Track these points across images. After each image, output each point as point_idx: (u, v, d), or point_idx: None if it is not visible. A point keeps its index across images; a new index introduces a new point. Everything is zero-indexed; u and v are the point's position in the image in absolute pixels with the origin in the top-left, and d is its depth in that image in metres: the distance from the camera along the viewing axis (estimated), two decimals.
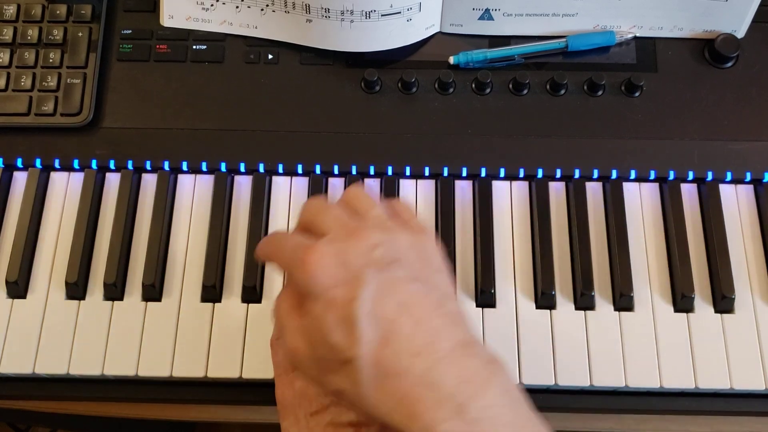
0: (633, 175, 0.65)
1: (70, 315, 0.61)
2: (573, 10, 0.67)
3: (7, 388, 0.61)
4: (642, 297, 0.61)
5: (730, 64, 0.68)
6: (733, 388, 0.58)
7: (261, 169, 0.65)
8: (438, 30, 0.69)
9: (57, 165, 0.65)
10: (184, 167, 0.65)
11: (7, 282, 0.61)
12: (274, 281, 0.62)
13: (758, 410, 0.60)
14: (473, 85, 0.67)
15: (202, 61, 0.68)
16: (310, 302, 0.43)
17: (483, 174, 0.65)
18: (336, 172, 0.65)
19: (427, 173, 0.65)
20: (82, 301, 0.61)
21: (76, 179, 0.66)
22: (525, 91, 0.67)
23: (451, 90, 0.67)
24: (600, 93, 0.67)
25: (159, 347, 0.60)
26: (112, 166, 0.65)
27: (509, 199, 0.65)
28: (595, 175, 0.65)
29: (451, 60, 0.68)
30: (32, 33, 0.68)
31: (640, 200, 0.65)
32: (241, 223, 0.64)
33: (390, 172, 0.65)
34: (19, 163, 0.65)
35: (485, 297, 0.61)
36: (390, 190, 0.64)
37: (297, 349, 0.44)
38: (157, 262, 0.62)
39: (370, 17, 0.64)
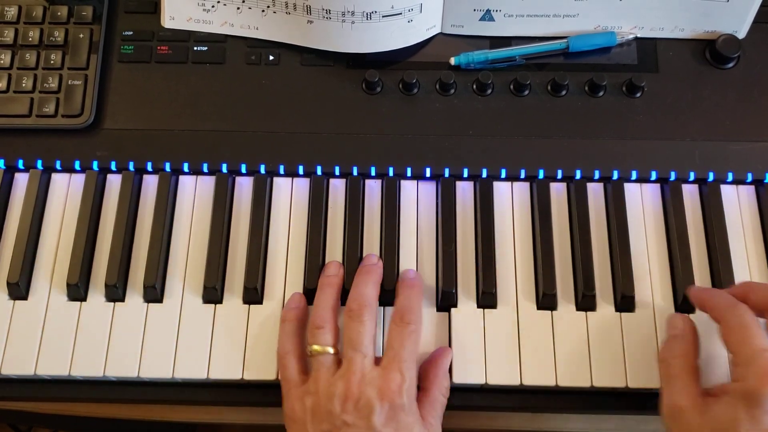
0: (634, 175, 0.65)
1: (72, 316, 0.61)
2: (574, 11, 0.67)
3: (9, 389, 0.61)
4: (643, 298, 0.61)
5: (731, 65, 0.68)
6: None
7: (262, 170, 0.65)
8: (439, 31, 0.69)
9: (58, 166, 0.65)
10: (185, 168, 0.65)
11: (8, 283, 0.61)
12: (275, 283, 0.62)
13: None
14: (474, 86, 0.67)
15: (203, 63, 0.68)
16: (756, 408, 0.49)
17: (484, 175, 0.65)
18: (337, 173, 0.65)
19: (428, 174, 0.65)
20: (83, 303, 0.61)
21: (78, 180, 0.66)
22: (526, 92, 0.67)
23: (452, 91, 0.67)
24: (601, 94, 0.67)
25: (160, 349, 0.60)
26: (113, 167, 0.65)
27: (510, 200, 0.65)
28: (597, 175, 0.65)
29: (452, 61, 0.68)
30: (33, 34, 0.68)
31: (642, 201, 0.65)
32: (242, 224, 0.64)
33: (391, 173, 0.65)
34: (20, 164, 0.65)
35: (486, 298, 0.61)
36: (391, 192, 0.64)
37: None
38: (159, 264, 0.62)
39: (371, 18, 0.64)
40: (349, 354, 0.55)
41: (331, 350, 0.56)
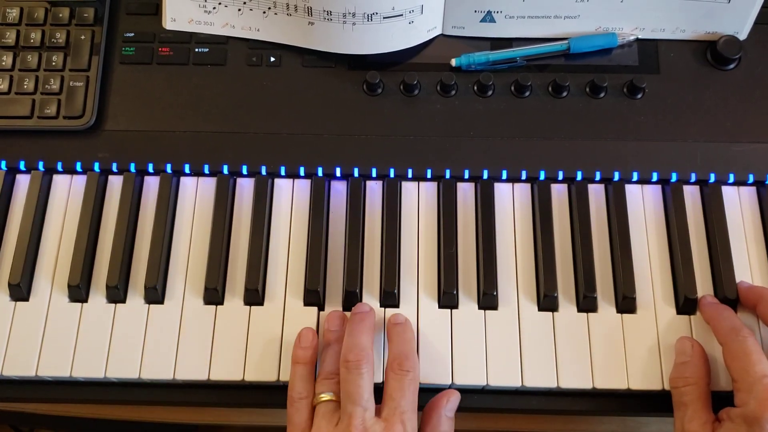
0: (635, 177, 0.65)
1: (73, 318, 0.61)
2: (575, 12, 0.67)
3: (10, 390, 0.61)
4: (644, 299, 0.61)
5: (732, 66, 0.68)
6: None
7: (263, 171, 0.65)
8: (440, 32, 0.69)
9: (60, 168, 0.66)
10: (187, 170, 0.65)
11: (9, 285, 0.61)
12: (276, 284, 0.62)
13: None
14: (475, 88, 0.67)
15: (205, 64, 0.68)
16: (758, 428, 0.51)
17: (485, 176, 0.65)
18: (338, 174, 0.65)
19: (429, 175, 0.65)
20: (84, 304, 0.61)
21: (79, 182, 0.66)
22: (527, 93, 0.67)
23: (453, 92, 0.67)
24: (602, 95, 0.67)
25: (161, 350, 0.60)
26: (114, 168, 0.66)
27: (511, 201, 0.65)
28: (598, 177, 0.65)
29: (453, 62, 0.68)
30: (35, 36, 0.68)
31: (643, 202, 0.65)
32: (243, 225, 0.64)
33: (392, 175, 0.65)
34: (22, 165, 0.66)
35: (487, 299, 0.61)
36: (392, 193, 0.64)
37: None
38: (160, 265, 0.62)
39: (372, 20, 0.64)
40: (348, 409, 0.54)
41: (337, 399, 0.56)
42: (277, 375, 0.59)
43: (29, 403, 0.68)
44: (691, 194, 0.65)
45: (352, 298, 0.61)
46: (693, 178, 0.65)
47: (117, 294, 0.61)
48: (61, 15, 0.69)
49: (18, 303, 0.62)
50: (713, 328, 0.58)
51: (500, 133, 0.66)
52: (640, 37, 0.69)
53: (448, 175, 0.65)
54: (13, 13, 0.69)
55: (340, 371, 0.56)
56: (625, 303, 0.61)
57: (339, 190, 0.66)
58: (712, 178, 0.65)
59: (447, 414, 0.57)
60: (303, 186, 0.66)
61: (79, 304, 0.61)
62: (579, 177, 0.65)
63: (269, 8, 0.67)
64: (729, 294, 0.60)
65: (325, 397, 0.56)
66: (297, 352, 0.58)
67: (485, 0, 0.66)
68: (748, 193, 0.65)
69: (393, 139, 0.66)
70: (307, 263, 0.62)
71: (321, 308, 0.62)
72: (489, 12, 0.67)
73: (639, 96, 0.67)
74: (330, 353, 0.58)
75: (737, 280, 0.61)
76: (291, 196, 0.65)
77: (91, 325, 0.61)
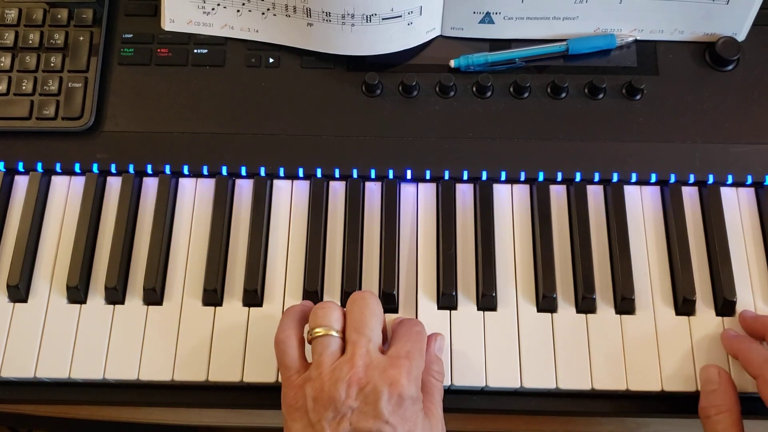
0: (634, 178, 0.65)
1: (72, 319, 0.61)
2: (574, 14, 0.67)
3: (9, 392, 0.61)
4: (643, 300, 0.61)
5: (730, 67, 0.68)
6: None
7: (262, 172, 0.65)
8: (439, 33, 0.69)
9: (58, 169, 0.66)
10: (186, 171, 0.65)
11: (8, 286, 0.61)
12: (274, 285, 0.62)
13: (760, 412, 0.60)
14: (474, 89, 0.67)
15: (203, 65, 0.68)
16: None
17: (484, 177, 0.65)
18: (337, 175, 0.65)
19: (428, 176, 0.65)
20: (83, 305, 0.61)
21: (78, 183, 0.66)
22: (526, 95, 0.67)
23: (452, 93, 0.67)
24: (601, 96, 0.67)
25: (160, 351, 0.60)
26: (113, 169, 0.65)
27: (510, 202, 0.65)
28: (597, 178, 0.65)
29: (452, 63, 0.68)
30: (34, 37, 0.68)
31: (642, 203, 0.65)
32: (242, 226, 0.64)
33: (391, 176, 0.65)
34: (21, 167, 0.65)
35: (486, 300, 0.61)
36: (391, 194, 0.64)
37: None
38: (159, 266, 0.62)
39: (371, 21, 0.65)
40: (353, 337, 0.52)
41: (335, 333, 0.52)
42: (276, 376, 0.59)
43: (28, 404, 0.68)
44: (690, 195, 0.65)
45: None
46: (692, 179, 0.65)
47: (116, 295, 0.61)
48: (59, 16, 0.69)
49: (16, 304, 0.62)
50: (743, 361, 0.57)
51: (499, 135, 0.66)
52: (638, 38, 0.69)
53: (446, 176, 0.65)
54: (12, 14, 0.69)
55: (345, 310, 0.54)
56: (624, 304, 0.61)
57: (338, 191, 0.66)
58: (711, 179, 0.65)
59: (437, 353, 0.57)
60: (302, 187, 0.66)
61: (78, 306, 0.61)
62: (578, 178, 0.65)
63: (268, 9, 0.67)
64: (728, 295, 0.60)
65: (321, 331, 0.53)
66: (290, 307, 0.57)
67: (484, 1, 0.66)
68: (747, 194, 0.65)
69: (392, 140, 0.66)
70: (306, 264, 0.62)
71: None
72: (488, 13, 0.67)
73: (638, 97, 0.67)
74: (327, 304, 0.55)
75: (736, 281, 0.61)
76: (290, 198, 0.65)
77: (89, 326, 0.61)
